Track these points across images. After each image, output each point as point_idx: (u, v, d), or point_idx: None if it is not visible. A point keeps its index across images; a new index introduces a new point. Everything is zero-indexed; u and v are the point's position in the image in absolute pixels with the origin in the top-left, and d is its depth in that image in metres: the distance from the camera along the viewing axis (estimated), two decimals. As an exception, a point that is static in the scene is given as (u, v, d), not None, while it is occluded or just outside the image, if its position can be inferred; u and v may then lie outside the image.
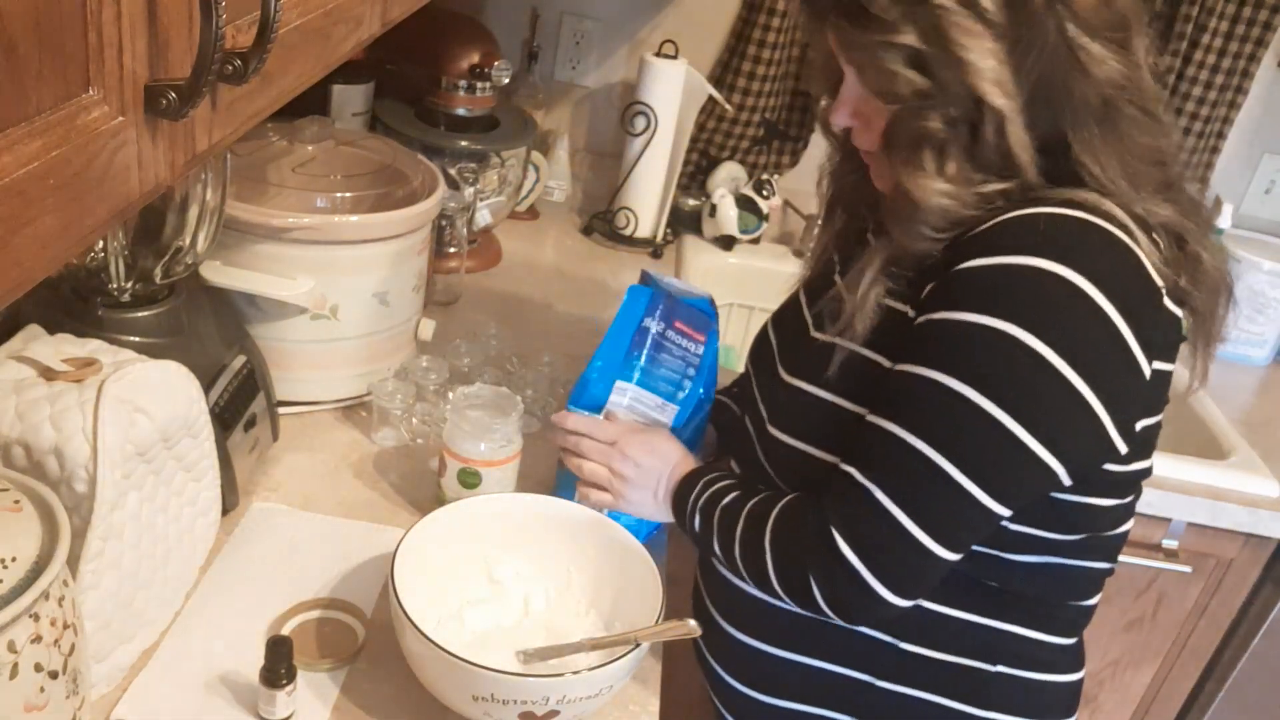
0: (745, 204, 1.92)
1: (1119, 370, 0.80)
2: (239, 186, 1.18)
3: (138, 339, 0.97)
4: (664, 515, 1.05)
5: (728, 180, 1.97)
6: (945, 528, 0.82)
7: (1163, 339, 0.83)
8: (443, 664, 0.84)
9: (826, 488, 0.87)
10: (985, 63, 0.78)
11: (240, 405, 1.08)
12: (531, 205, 1.95)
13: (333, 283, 1.21)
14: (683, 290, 1.18)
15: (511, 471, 1.14)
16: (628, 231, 1.90)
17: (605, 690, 0.88)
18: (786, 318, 1.05)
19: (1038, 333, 0.78)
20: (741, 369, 1.18)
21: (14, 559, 0.67)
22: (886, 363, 0.87)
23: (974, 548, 0.87)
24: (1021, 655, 0.94)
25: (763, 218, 1.93)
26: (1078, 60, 0.80)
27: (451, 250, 1.60)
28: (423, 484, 1.20)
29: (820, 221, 1.07)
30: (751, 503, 0.93)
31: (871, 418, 0.86)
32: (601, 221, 1.92)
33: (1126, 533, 0.95)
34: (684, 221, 1.98)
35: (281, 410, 1.20)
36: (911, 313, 0.86)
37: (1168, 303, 0.83)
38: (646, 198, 1.89)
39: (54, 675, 0.69)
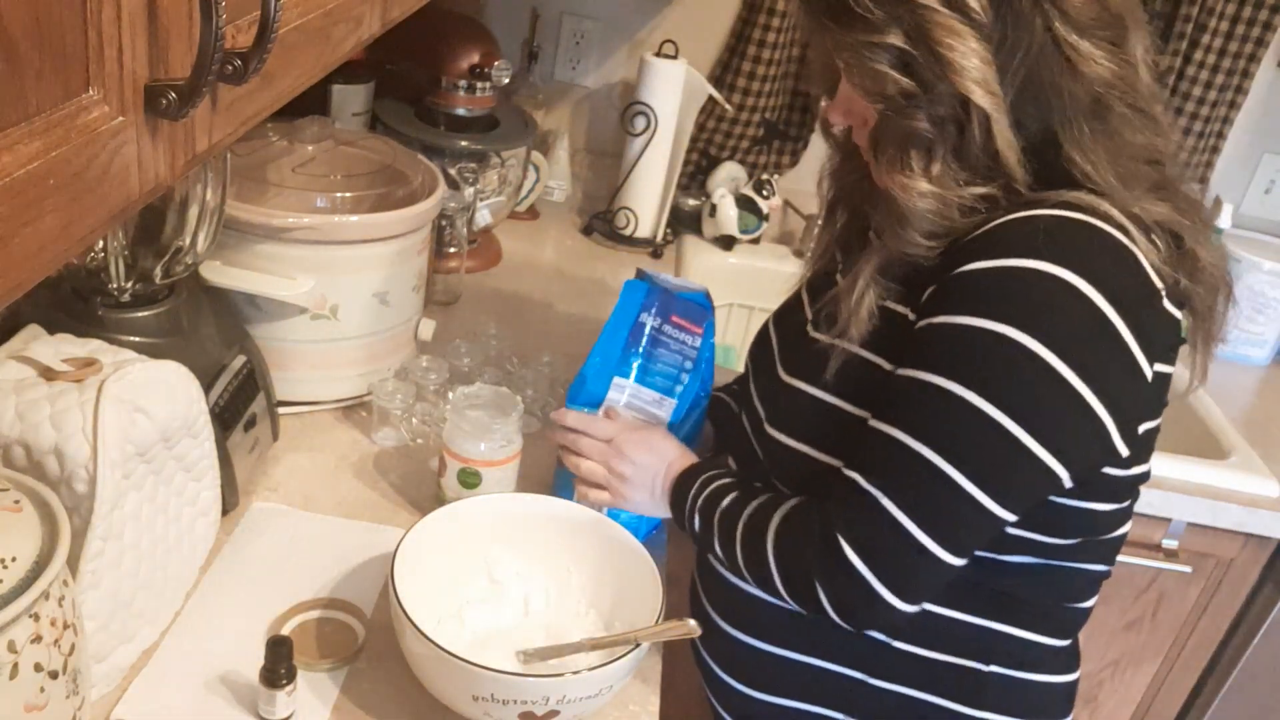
0: (745, 204, 1.92)
1: (1120, 372, 0.80)
2: (239, 186, 1.18)
3: (138, 339, 0.97)
4: (663, 511, 1.05)
5: (728, 180, 1.97)
6: (950, 533, 0.82)
7: (1163, 341, 0.83)
8: (443, 664, 0.84)
9: (829, 493, 0.87)
10: (970, 62, 0.79)
11: (240, 405, 1.08)
12: (531, 205, 1.95)
13: (333, 283, 1.21)
14: (678, 286, 1.18)
15: (511, 471, 1.14)
16: (628, 231, 1.90)
17: (605, 690, 0.88)
18: (788, 316, 1.05)
19: (1038, 336, 0.77)
20: (741, 368, 1.18)
21: (14, 559, 0.67)
22: (886, 365, 0.87)
23: (971, 550, 0.87)
24: (1016, 656, 0.94)
25: (763, 218, 1.93)
26: (1066, 59, 0.80)
27: (451, 250, 1.60)
28: (423, 484, 1.20)
29: (821, 222, 1.07)
30: (751, 508, 0.93)
31: (874, 422, 0.85)
32: (601, 221, 1.92)
33: (1124, 535, 0.95)
34: (684, 221, 1.98)
35: (281, 410, 1.20)
36: (911, 315, 0.86)
37: (1167, 304, 0.83)
38: (646, 198, 1.89)
39: (54, 675, 0.69)
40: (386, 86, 1.72)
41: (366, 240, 1.22)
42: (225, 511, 1.05)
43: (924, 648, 0.93)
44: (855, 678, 0.95)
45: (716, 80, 1.93)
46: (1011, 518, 0.83)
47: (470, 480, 1.11)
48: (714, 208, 1.92)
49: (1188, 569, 1.57)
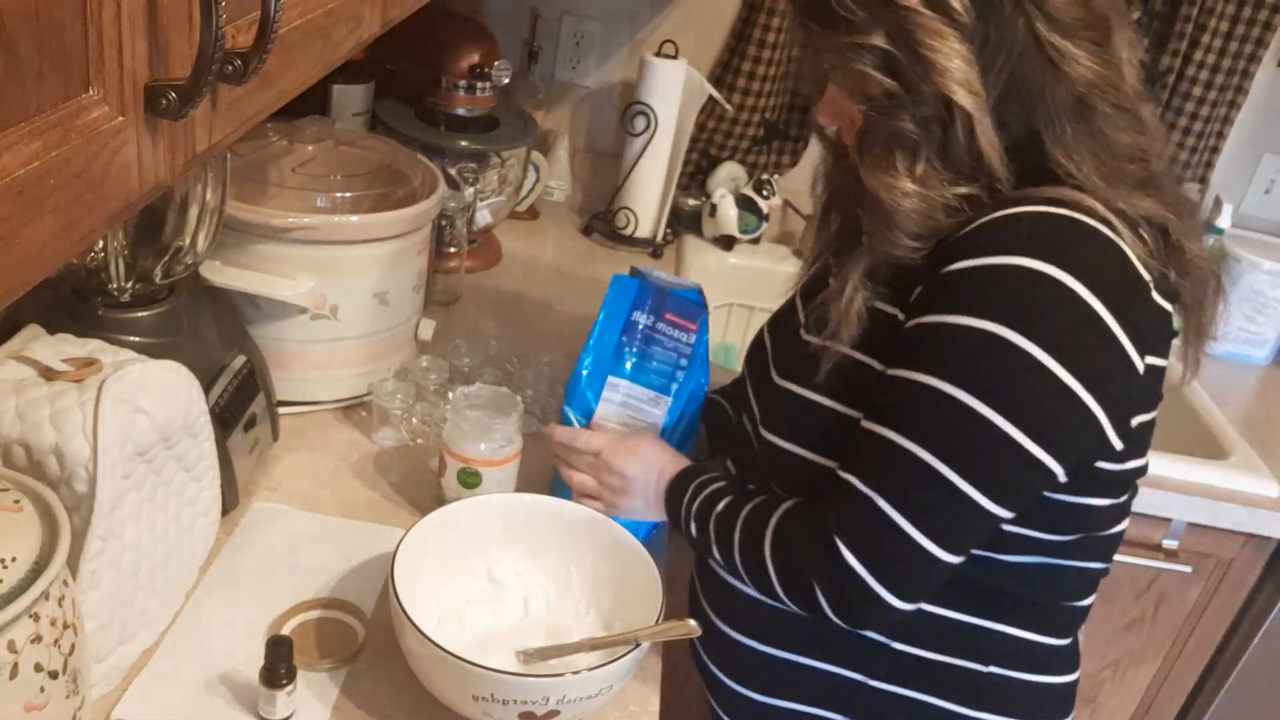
0: (745, 204, 1.92)
1: (1111, 366, 0.80)
2: (239, 186, 1.18)
3: (138, 339, 0.97)
4: (659, 517, 1.05)
5: (728, 180, 1.97)
6: (947, 532, 0.82)
7: (1153, 333, 0.83)
8: (443, 664, 0.84)
9: (825, 496, 0.87)
10: (953, 63, 0.79)
11: (240, 405, 1.08)
12: (531, 205, 1.95)
13: (333, 283, 1.21)
14: (671, 283, 1.18)
15: (511, 471, 1.14)
16: (628, 231, 1.90)
17: (605, 690, 0.88)
18: (782, 321, 1.06)
19: (1026, 332, 0.78)
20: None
21: (14, 559, 0.67)
22: (877, 365, 0.87)
23: (968, 549, 0.87)
24: (1015, 656, 0.94)
25: (763, 218, 1.93)
26: (1049, 60, 0.81)
27: (451, 250, 1.60)
28: (423, 484, 1.20)
29: (815, 224, 1.07)
30: (746, 511, 0.93)
31: (867, 424, 0.86)
32: (601, 221, 1.92)
33: (1122, 533, 0.95)
34: (684, 221, 1.98)
35: (281, 410, 1.20)
36: (901, 315, 0.86)
37: (1156, 296, 0.83)
38: (646, 198, 1.89)
39: (54, 675, 0.69)
40: (386, 86, 1.72)
41: (366, 240, 1.22)
42: (225, 511, 1.05)
43: (923, 648, 0.93)
44: (854, 679, 0.95)
45: (716, 80, 1.93)
46: (1007, 514, 0.83)
47: (470, 480, 1.11)
48: (714, 208, 1.92)
49: (1188, 569, 1.57)
